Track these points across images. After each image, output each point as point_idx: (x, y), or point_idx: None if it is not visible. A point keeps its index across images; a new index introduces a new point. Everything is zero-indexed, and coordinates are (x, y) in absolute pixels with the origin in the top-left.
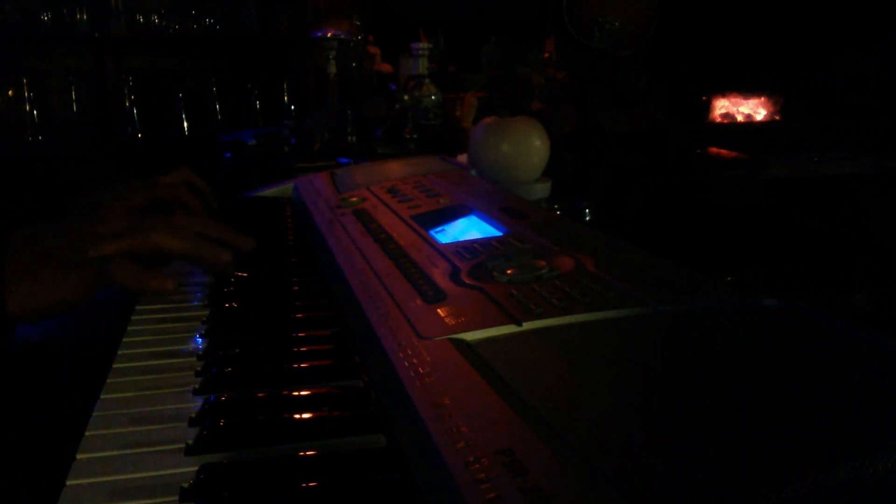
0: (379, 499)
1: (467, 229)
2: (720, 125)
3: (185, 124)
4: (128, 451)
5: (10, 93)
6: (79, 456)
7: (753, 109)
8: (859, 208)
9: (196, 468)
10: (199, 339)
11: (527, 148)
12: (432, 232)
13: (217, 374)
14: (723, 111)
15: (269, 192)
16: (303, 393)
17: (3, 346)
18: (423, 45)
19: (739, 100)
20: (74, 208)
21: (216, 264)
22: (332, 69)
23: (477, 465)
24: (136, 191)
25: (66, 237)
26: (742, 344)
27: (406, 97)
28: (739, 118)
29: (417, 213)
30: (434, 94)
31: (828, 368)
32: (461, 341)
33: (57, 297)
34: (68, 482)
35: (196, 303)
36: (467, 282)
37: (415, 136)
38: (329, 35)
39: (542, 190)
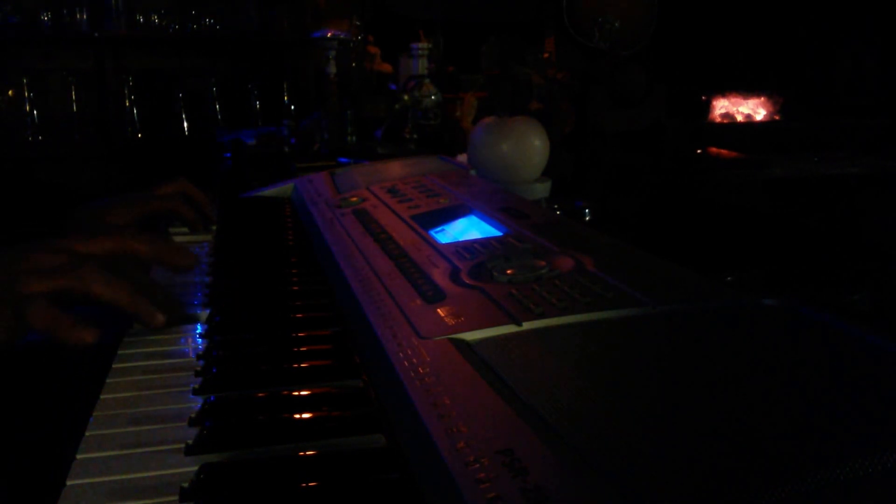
0: (379, 499)
1: (467, 229)
2: (720, 125)
3: (185, 124)
4: (128, 451)
5: (10, 93)
6: (79, 456)
7: (753, 109)
8: (859, 208)
9: (196, 468)
10: (199, 340)
11: (527, 148)
12: (432, 232)
13: (217, 374)
14: (723, 111)
15: (269, 192)
16: (302, 393)
17: None
18: (423, 45)
19: (739, 100)
20: (71, 220)
21: (148, 325)
22: (332, 69)
23: (477, 465)
24: (132, 203)
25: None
26: (742, 344)
27: (406, 97)
28: (739, 118)
29: (417, 213)
30: (434, 94)
31: (827, 368)
32: (461, 341)
33: None
34: (68, 482)
35: (196, 303)
36: (467, 282)
37: (415, 136)
38: (329, 35)
39: (541, 190)
